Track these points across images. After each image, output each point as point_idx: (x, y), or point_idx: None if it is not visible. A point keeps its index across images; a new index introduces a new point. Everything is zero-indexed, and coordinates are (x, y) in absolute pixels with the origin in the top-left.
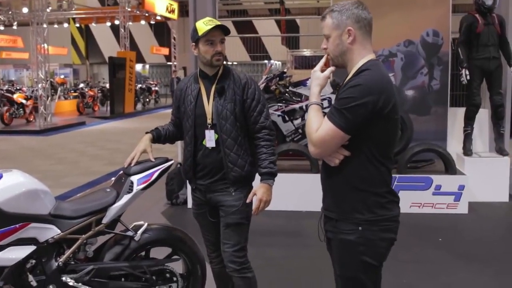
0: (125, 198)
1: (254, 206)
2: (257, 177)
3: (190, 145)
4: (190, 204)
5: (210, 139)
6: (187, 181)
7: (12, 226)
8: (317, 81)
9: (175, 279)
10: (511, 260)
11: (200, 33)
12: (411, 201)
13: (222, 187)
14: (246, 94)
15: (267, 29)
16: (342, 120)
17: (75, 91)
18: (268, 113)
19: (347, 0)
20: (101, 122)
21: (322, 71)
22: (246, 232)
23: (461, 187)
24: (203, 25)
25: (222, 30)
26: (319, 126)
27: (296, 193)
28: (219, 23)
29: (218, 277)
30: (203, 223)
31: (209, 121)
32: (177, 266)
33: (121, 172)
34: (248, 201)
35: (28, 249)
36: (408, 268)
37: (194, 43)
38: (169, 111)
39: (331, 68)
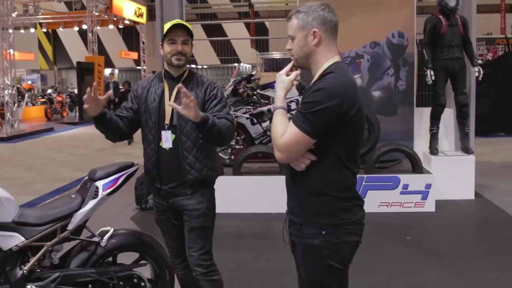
0: (91, 203)
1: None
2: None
3: (154, 143)
4: None
5: (166, 140)
6: (151, 181)
7: None
8: (282, 84)
9: (143, 284)
10: (477, 256)
11: (164, 32)
12: (379, 200)
13: (183, 191)
14: (208, 94)
15: (236, 32)
16: (307, 125)
17: (43, 97)
18: (229, 111)
19: (313, 2)
20: (70, 128)
21: (288, 75)
22: (211, 235)
23: (428, 186)
24: (169, 25)
25: (186, 31)
26: (284, 131)
27: (265, 195)
28: (185, 24)
29: (184, 283)
30: (165, 229)
31: (167, 121)
32: (145, 271)
33: (86, 177)
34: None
35: None
36: (378, 267)
37: (161, 43)
38: None
39: (297, 72)
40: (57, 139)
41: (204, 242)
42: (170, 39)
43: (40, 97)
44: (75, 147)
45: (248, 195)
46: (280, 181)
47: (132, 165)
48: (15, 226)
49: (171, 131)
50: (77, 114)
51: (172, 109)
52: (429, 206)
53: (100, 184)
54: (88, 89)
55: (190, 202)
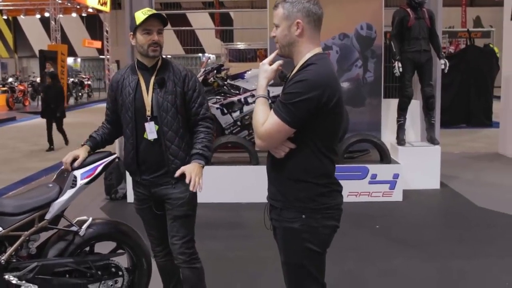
0: (69, 193)
1: (191, 184)
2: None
3: (132, 138)
4: (129, 198)
5: (151, 131)
6: (130, 174)
7: None
8: (265, 74)
9: (120, 273)
10: (444, 244)
11: (137, 22)
12: (348, 190)
13: (166, 180)
14: (187, 86)
15: (201, 22)
16: (287, 114)
17: (3, 86)
18: (208, 106)
19: None
20: (32, 117)
21: (270, 64)
22: (193, 224)
23: (396, 176)
24: (142, 14)
25: (160, 21)
26: (265, 120)
27: (236, 185)
28: (161, 14)
29: (163, 270)
30: (146, 218)
31: (148, 113)
32: (122, 260)
33: (63, 166)
34: (176, 175)
35: None
36: (348, 255)
37: (132, 33)
38: (103, 105)
39: (279, 62)
40: (20, 129)
41: (187, 231)
42: (145, 29)
43: (0, 86)
44: (39, 136)
45: (219, 185)
46: (250, 171)
47: (110, 154)
48: None
49: (153, 122)
50: (40, 103)
51: (152, 100)
52: (397, 196)
53: (78, 173)
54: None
55: (174, 191)
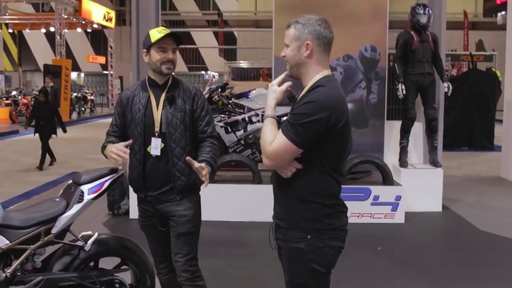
0: (75, 207)
1: (203, 173)
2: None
3: (139, 154)
4: (132, 214)
5: (155, 147)
6: (135, 190)
7: None
8: (274, 94)
9: None
10: (445, 267)
11: (153, 40)
12: (350, 211)
13: (172, 197)
14: (196, 104)
15: (205, 40)
16: (295, 135)
17: (7, 99)
18: (214, 125)
19: (314, 16)
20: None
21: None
22: (196, 241)
23: (398, 198)
24: (157, 32)
25: (175, 40)
26: (273, 139)
27: (238, 203)
28: (177, 33)
29: (166, 287)
30: (150, 234)
31: (156, 129)
32: (126, 276)
33: (70, 181)
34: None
35: None
36: (351, 276)
37: (145, 50)
38: (106, 120)
39: (288, 83)
40: (23, 142)
41: (190, 248)
42: (160, 47)
43: (4, 99)
44: (40, 150)
45: (221, 203)
46: (253, 190)
47: (116, 170)
48: None
49: (160, 139)
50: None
51: (161, 116)
52: (399, 218)
53: (85, 188)
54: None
55: (178, 208)
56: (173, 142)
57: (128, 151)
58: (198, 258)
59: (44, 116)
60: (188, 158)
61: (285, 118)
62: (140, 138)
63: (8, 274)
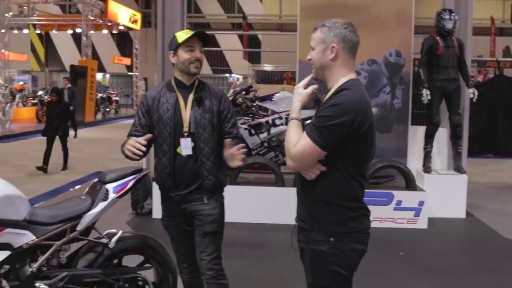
0: (100, 205)
1: (237, 156)
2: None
3: (169, 153)
4: (155, 214)
5: (186, 147)
6: (163, 190)
7: None
8: (299, 97)
9: (147, 286)
10: (468, 274)
11: (180, 40)
12: (373, 215)
13: (198, 196)
14: (223, 105)
15: (229, 43)
16: (320, 137)
17: (33, 98)
18: (238, 127)
19: (339, 20)
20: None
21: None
22: (221, 241)
23: (421, 203)
24: (183, 34)
25: (202, 40)
26: (297, 141)
27: (261, 205)
28: (205, 33)
29: (189, 286)
30: (174, 234)
31: (185, 129)
32: (149, 274)
33: (96, 180)
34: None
35: (3, 255)
36: (372, 280)
37: (172, 51)
38: (130, 121)
39: (314, 86)
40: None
41: (215, 247)
42: (188, 46)
43: (31, 98)
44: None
45: (244, 205)
46: (275, 192)
47: (141, 170)
48: (26, 224)
49: (190, 138)
50: None
51: (190, 117)
52: (422, 223)
53: (110, 187)
54: (139, 145)
55: (205, 207)
56: (202, 142)
57: (145, 143)
58: (221, 257)
59: (57, 116)
60: (227, 141)
61: (309, 121)
62: (170, 138)
63: (34, 269)
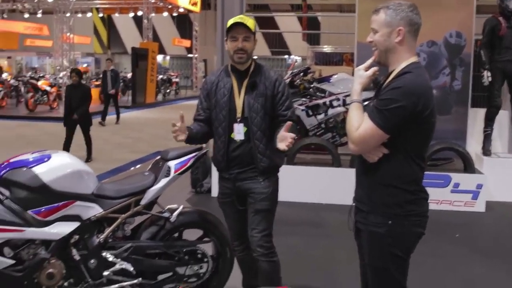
0: (163, 181)
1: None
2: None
3: (224, 136)
4: (213, 192)
5: (238, 132)
6: (218, 170)
7: (59, 203)
8: (360, 79)
9: (206, 260)
10: None
11: (227, 27)
12: (430, 197)
13: (251, 175)
14: (277, 89)
15: (288, 24)
16: (382, 120)
17: (96, 80)
18: (294, 110)
19: (403, 1)
20: (123, 111)
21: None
22: (272, 219)
23: (479, 186)
24: (232, 20)
25: (246, 28)
26: (359, 124)
27: (317, 186)
28: (246, 20)
29: (242, 263)
30: (228, 212)
31: (238, 114)
32: (208, 248)
33: (158, 157)
34: (280, 142)
35: (73, 226)
36: (427, 261)
37: (226, 39)
38: (190, 103)
39: (375, 68)
40: (111, 122)
41: (267, 225)
42: (231, 36)
43: (94, 80)
44: (129, 130)
45: (301, 185)
46: (331, 173)
47: (201, 148)
48: (94, 198)
49: (243, 124)
50: (130, 98)
51: (243, 102)
52: (479, 206)
53: (172, 164)
54: (178, 123)
55: (257, 186)
56: (255, 126)
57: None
58: (273, 235)
59: (76, 102)
60: (288, 123)
61: (366, 103)
62: (225, 122)
63: (101, 240)
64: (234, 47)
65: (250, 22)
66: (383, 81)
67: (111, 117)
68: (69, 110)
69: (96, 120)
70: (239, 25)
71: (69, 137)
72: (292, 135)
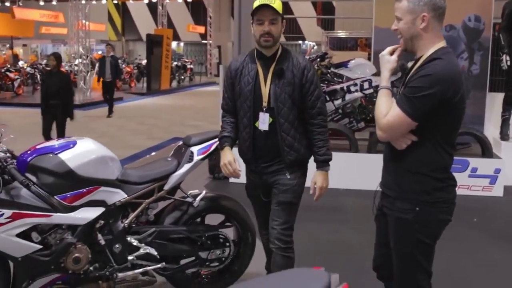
0: (186, 167)
1: (316, 195)
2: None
3: (249, 127)
4: (231, 178)
5: (263, 122)
6: (245, 162)
7: (84, 189)
8: (388, 65)
9: (228, 244)
10: None
11: (253, 9)
12: None
13: (278, 168)
14: (306, 78)
15: (302, 9)
16: (410, 107)
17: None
18: (324, 99)
19: None
20: (137, 98)
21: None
22: (295, 212)
23: (497, 171)
24: (257, 2)
25: (273, 10)
26: (387, 111)
27: (334, 171)
28: (273, 1)
29: (268, 248)
30: (255, 204)
31: (264, 104)
32: (230, 233)
33: (181, 143)
34: (311, 192)
35: (98, 211)
36: (445, 245)
37: (252, 22)
38: (204, 89)
39: (399, 49)
40: (126, 108)
41: (288, 217)
42: (257, 20)
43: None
44: (144, 116)
45: None
46: (349, 158)
47: None
48: (119, 183)
49: (268, 113)
50: (145, 85)
51: (269, 91)
52: (497, 191)
53: (195, 149)
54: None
55: (282, 177)
56: (281, 117)
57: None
58: (293, 229)
59: (53, 90)
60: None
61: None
62: (250, 112)
63: (125, 224)
64: (260, 31)
65: (277, 3)
66: (411, 67)
67: (106, 109)
68: (46, 98)
69: (102, 113)
70: (265, 7)
71: (46, 128)
72: (322, 186)
